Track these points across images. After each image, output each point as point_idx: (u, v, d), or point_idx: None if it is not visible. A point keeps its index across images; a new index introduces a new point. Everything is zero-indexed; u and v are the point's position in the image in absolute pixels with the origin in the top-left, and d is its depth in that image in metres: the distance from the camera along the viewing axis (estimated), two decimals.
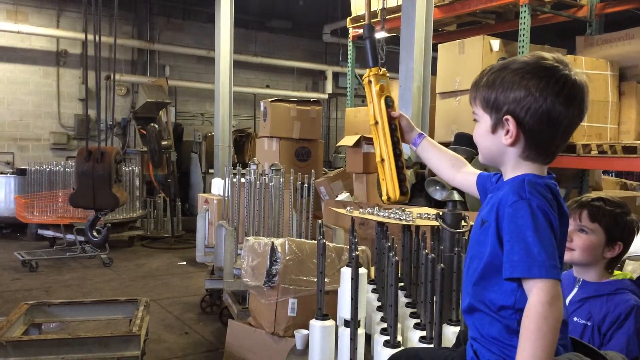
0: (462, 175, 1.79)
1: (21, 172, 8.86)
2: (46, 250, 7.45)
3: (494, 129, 1.39)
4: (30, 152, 10.77)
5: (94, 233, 4.73)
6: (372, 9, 6.60)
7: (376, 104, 2.02)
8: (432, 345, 1.97)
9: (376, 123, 2.02)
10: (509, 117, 1.35)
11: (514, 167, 1.40)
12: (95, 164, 4.29)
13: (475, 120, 1.46)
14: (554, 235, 1.27)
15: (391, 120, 2.00)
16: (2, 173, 9.36)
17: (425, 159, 1.94)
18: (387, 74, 2.09)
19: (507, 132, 1.36)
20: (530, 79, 1.32)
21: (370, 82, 2.06)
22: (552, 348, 1.21)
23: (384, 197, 2.05)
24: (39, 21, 10.62)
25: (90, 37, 4.48)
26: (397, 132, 2.01)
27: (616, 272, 2.03)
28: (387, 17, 6.96)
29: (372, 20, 5.99)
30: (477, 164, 1.89)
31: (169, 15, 12.17)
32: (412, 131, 1.98)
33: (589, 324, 1.91)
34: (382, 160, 2.02)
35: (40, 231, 8.21)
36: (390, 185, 2.02)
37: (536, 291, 1.23)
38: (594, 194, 2.05)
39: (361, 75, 2.27)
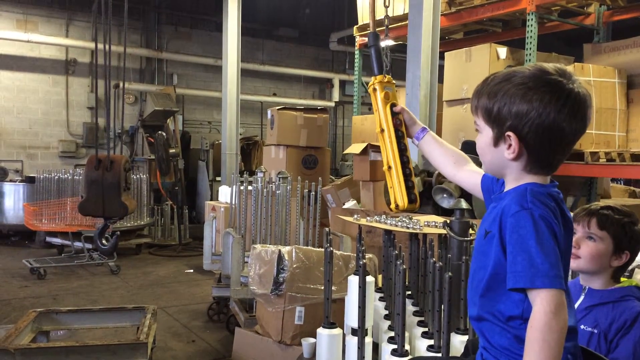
0: (465, 173, 1.79)
1: (30, 180, 8.91)
2: (54, 258, 7.47)
3: (495, 143, 1.38)
4: (39, 160, 10.84)
5: (103, 241, 4.75)
6: (378, 18, 6.63)
7: (382, 111, 2.02)
8: (440, 354, 1.97)
9: (382, 130, 2.02)
10: (510, 133, 1.33)
11: (517, 179, 1.39)
12: (105, 172, 4.30)
13: (476, 130, 1.46)
14: (558, 244, 1.26)
15: (397, 127, 2.00)
16: (11, 181, 9.42)
17: (427, 153, 1.93)
18: (393, 81, 2.10)
19: (509, 147, 1.35)
20: (533, 93, 1.30)
21: (375, 89, 2.06)
22: (557, 358, 1.20)
23: (392, 205, 2.04)
24: (49, 30, 10.72)
25: (100, 45, 4.52)
26: (405, 139, 2.00)
27: (622, 279, 2.02)
28: (394, 25, 6.99)
29: (378, 29, 6.01)
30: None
31: (177, 24, 12.26)
32: (415, 125, 1.97)
33: (595, 331, 1.91)
34: (390, 167, 2.02)
35: (48, 239, 8.24)
36: (398, 193, 2.01)
37: (540, 301, 1.22)
38: (602, 203, 2.05)
39: (367, 83, 2.28)
